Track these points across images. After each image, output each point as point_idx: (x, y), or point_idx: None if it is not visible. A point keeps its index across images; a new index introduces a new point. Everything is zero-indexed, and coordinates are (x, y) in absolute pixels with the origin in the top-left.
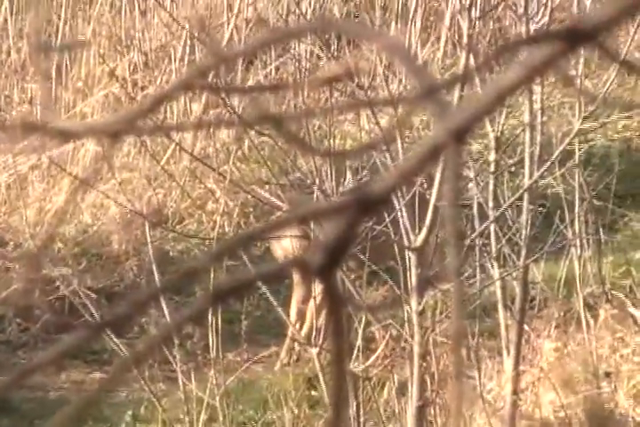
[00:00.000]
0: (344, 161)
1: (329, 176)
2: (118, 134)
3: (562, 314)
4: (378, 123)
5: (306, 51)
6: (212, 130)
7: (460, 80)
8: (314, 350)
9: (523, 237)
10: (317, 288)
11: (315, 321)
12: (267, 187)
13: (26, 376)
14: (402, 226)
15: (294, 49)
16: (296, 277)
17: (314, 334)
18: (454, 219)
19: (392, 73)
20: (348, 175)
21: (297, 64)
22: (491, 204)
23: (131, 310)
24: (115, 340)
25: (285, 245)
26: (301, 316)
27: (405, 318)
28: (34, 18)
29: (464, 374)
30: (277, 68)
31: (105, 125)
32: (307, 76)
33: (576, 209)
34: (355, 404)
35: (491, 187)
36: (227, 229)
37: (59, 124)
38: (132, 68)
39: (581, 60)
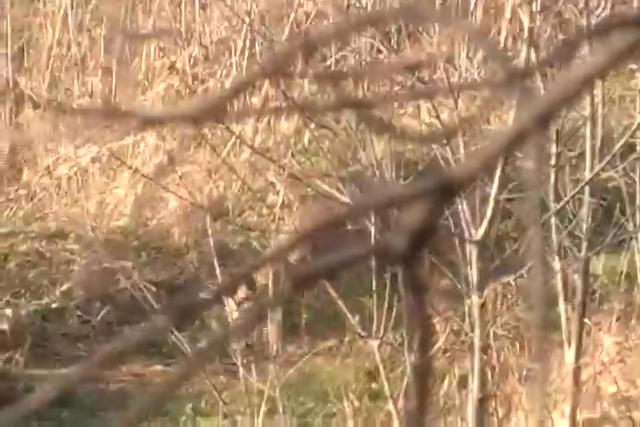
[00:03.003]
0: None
1: (389, 168)
2: (200, 121)
3: (623, 307)
4: (438, 116)
5: (365, 44)
6: (272, 121)
7: (536, 69)
8: (375, 343)
9: (583, 230)
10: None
11: (376, 313)
12: (327, 179)
13: (104, 366)
14: (462, 219)
15: (354, 42)
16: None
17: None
18: (537, 204)
19: (452, 66)
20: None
21: (357, 57)
22: (551, 197)
23: (208, 300)
24: (176, 333)
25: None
26: None
27: (466, 312)
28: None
29: (548, 362)
30: (337, 62)
31: (187, 112)
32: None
33: (637, 202)
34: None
35: (552, 180)
36: (287, 222)
37: (140, 111)
38: (191, 61)
39: None
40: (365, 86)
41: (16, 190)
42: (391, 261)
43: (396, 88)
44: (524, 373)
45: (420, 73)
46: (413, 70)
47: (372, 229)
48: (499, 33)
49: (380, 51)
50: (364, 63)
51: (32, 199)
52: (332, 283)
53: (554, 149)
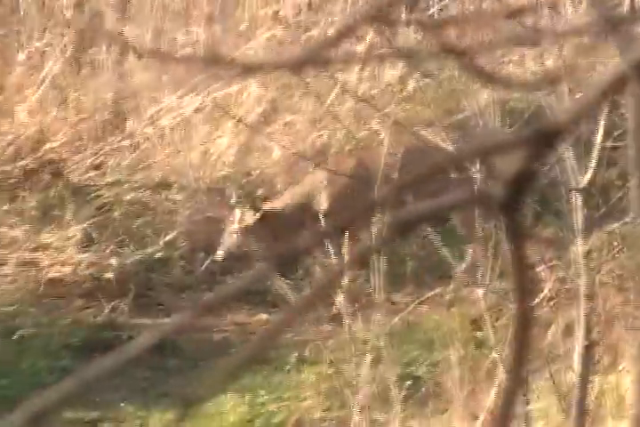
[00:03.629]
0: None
1: (494, 117)
2: (302, 68)
3: None
4: (543, 63)
5: None
6: (376, 70)
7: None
8: (480, 291)
9: None
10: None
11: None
12: (431, 128)
13: (208, 315)
14: (568, 167)
15: None
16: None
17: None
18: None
19: (557, 13)
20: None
21: (461, 6)
22: None
23: (304, 249)
24: (279, 281)
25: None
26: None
27: (571, 260)
28: None
29: None
30: (441, 10)
31: (290, 60)
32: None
33: None
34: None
35: None
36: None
37: (242, 58)
38: (295, 10)
39: None
40: (469, 34)
41: (120, 140)
42: (492, 208)
43: (500, 36)
44: (630, 320)
45: (524, 20)
46: (517, 17)
47: (476, 177)
48: None
49: None
50: (467, 11)
51: (136, 149)
52: (437, 231)
53: None
